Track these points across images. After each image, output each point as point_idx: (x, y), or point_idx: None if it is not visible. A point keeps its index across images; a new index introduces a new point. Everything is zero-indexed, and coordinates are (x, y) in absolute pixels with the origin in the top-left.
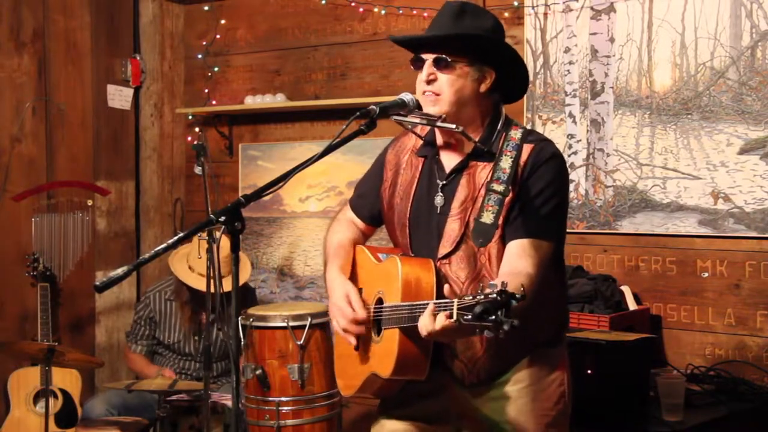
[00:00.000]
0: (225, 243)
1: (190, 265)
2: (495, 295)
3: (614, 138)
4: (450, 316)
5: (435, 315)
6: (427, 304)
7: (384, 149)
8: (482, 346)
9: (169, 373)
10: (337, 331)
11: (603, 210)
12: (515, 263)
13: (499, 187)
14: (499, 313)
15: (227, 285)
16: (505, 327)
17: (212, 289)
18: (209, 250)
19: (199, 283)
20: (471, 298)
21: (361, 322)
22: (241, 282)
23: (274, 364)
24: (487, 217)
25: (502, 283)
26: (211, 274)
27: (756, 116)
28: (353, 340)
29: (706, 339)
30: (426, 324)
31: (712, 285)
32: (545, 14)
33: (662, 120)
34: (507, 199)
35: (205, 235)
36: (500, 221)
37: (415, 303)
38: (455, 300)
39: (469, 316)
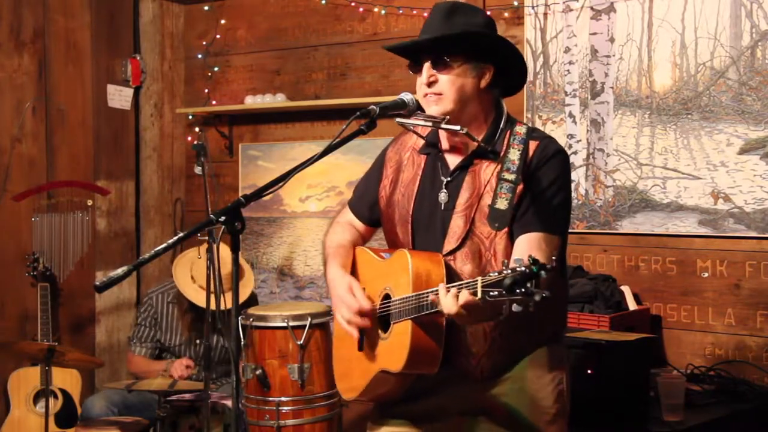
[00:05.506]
0: (226, 258)
1: (192, 275)
2: (524, 268)
3: (614, 138)
4: (474, 294)
5: (458, 295)
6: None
7: (384, 149)
8: (486, 343)
9: (187, 361)
10: (341, 324)
11: (603, 210)
12: (524, 256)
13: (511, 176)
14: (528, 284)
15: (227, 299)
16: (536, 298)
17: (213, 292)
18: (209, 250)
19: (199, 297)
20: (496, 274)
21: (366, 313)
22: (244, 298)
23: (274, 364)
24: (501, 203)
25: (530, 256)
26: (211, 283)
27: (756, 116)
28: (356, 333)
29: (706, 339)
30: (449, 303)
31: (712, 285)
32: (545, 14)
33: (662, 120)
34: (518, 189)
35: (205, 235)
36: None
37: (427, 290)
38: (479, 278)
39: (495, 293)
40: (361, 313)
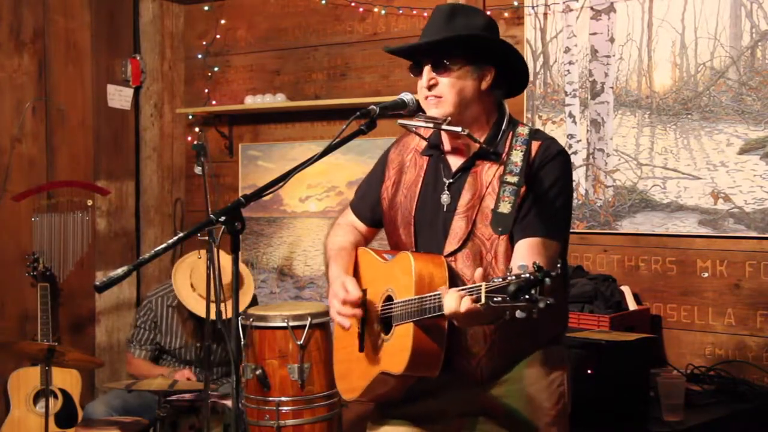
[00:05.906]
0: (227, 268)
1: (192, 283)
2: (528, 275)
3: (614, 138)
4: (477, 300)
5: (461, 298)
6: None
7: (386, 150)
8: (486, 345)
9: (189, 374)
10: (333, 318)
11: (603, 210)
12: (527, 262)
13: (513, 179)
14: (533, 291)
15: (228, 308)
16: (540, 305)
17: (214, 301)
18: (209, 250)
19: (199, 307)
20: (500, 280)
21: (355, 303)
22: (243, 307)
23: (274, 364)
24: (504, 207)
25: (534, 263)
26: (211, 292)
27: (756, 116)
28: (347, 323)
29: (706, 339)
30: (451, 305)
31: (712, 285)
32: (545, 14)
33: (662, 120)
34: (521, 191)
35: (205, 235)
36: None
37: (430, 294)
38: (483, 283)
39: (499, 299)
40: (350, 304)
